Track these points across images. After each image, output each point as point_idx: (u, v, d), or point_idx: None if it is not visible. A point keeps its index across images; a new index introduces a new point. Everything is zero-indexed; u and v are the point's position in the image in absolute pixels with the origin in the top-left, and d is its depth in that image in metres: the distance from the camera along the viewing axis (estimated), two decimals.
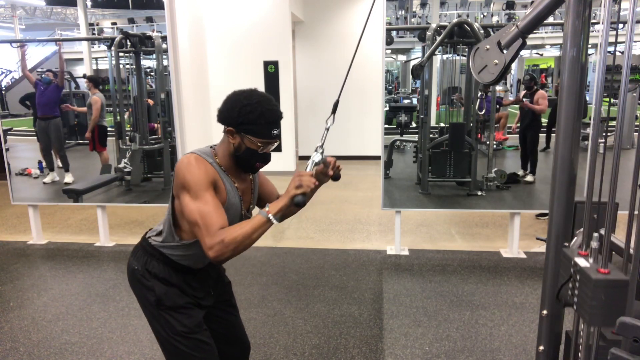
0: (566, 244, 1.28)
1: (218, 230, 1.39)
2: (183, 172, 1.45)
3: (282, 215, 1.45)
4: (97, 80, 4.91)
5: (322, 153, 1.54)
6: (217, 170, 1.51)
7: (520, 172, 4.63)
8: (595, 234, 1.16)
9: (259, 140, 1.49)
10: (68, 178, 4.88)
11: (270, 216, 1.42)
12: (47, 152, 4.92)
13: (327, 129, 1.55)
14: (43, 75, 4.77)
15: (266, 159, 1.56)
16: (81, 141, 5.33)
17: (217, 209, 1.43)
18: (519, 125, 5.08)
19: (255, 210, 1.74)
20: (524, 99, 4.86)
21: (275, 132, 1.51)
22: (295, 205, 1.43)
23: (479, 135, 4.64)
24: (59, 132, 4.92)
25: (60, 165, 4.99)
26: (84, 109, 4.97)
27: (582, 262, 1.15)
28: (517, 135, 5.04)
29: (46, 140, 4.89)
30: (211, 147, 1.58)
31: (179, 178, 1.46)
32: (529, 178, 4.53)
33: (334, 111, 1.58)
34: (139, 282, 1.62)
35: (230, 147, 1.53)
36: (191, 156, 1.49)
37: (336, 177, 1.60)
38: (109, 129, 4.96)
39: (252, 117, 1.46)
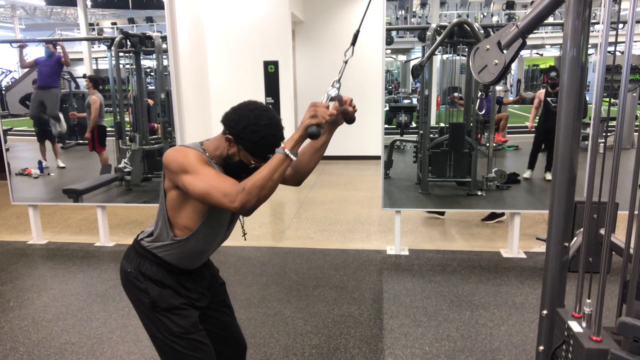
0: (566, 244, 1.28)
1: (232, 186, 1.36)
2: (175, 157, 1.45)
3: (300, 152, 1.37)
4: (97, 80, 4.91)
5: (338, 88, 1.44)
6: (207, 158, 1.51)
7: (527, 173, 4.58)
8: (588, 300, 1.16)
9: (253, 159, 1.50)
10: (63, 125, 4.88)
11: (287, 151, 1.36)
12: (39, 122, 4.88)
13: (346, 62, 1.46)
14: (45, 49, 4.77)
15: (250, 173, 1.56)
16: (81, 141, 5.33)
17: (222, 175, 1.42)
18: (535, 123, 4.91)
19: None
20: (548, 98, 4.58)
21: (270, 155, 1.49)
22: (309, 135, 1.38)
23: (479, 136, 4.63)
24: (55, 100, 4.91)
25: (62, 165, 4.98)
26: (85, 114, 4.96)
27: (575, 326, 1.16)
28: (519, 133, 4.98)
29: (38, 111, 4.84)
30: (200, 142, 1.58)
31: (172, 165, 1.45)
32: (548, 176, 4.45)
33: (353, 43, 1.49)
34: (133, 284, 1.61)
35: (224, 152, 1.53)
36: (178, 147, 1.50)
37: (351, 120, 1.53)
38: (108, 129, 4.95)
39: (255, 138, 1.46)
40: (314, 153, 1.63)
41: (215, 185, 1.37)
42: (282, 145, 1.37)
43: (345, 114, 1.53)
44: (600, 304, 1.12)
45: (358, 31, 1.49)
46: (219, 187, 1.37)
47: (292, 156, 1.36)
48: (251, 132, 1.45)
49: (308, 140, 1.46)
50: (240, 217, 1.74)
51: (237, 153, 1.51)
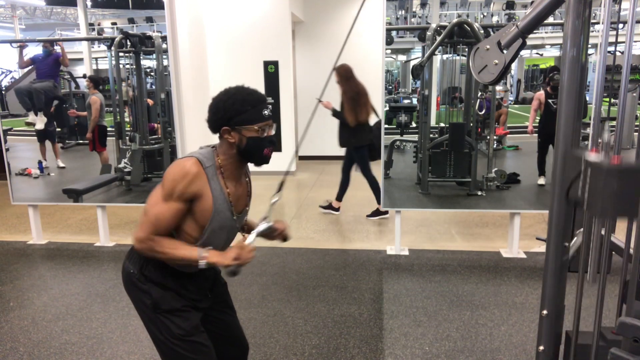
0: (566, 244, 1.28)
1: (155, 234, 1.50)
2: (169, 173, 1.50)
3: (211, 264, 1.52)
4: (97, 80, 4.90)
5: (267, 222, 1.67)
6: (208, 176, 1.51)
7: (541, 180, 4.54)
8: (607, 128, 1.12)
9: (255, 126, 1.51)
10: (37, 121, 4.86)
11: (203, 262, 1.49)
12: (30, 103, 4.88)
13: (273, 204, 1.66)
14: (43, 49, 4.77)
15: (272, 142, 1.58)
16: (81, 141, 5.33)
17: (173, 220, 1.51)
18: (535, 127, 4.88)
19: (250, 212, 1.75)
20: (550, 100, 4.59)
21: (266, 112, 1.54)
22: (228, 274, 1.53)
23: (479, 130, 4.60)
24: (41, 93, 4.89)
25: (62, 165, 4.99)
26: (85, 113, 4.95)
27: (592, 157, 1.13)
28: (519, 133, 4.96)
29: (25, 103, 4.84)
30: (213, 146, 1.59)
31: (166, 175, 1.50)
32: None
33: (279, 189, 1.69)
34: (135, 285, 1.61)
35: (233, 147, 1.53)
36: (188, 162, 1.50)
37: (285, 238, 1.77)
38: (108, 128, 4.95)
39: (238, 107, 1.49)
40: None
41: (154, 219, 1.50)
42: (207, 254, 1.50)
43: (281, 236, 1.77)
44: (600, 305, 1.12)
45: (282, 182, 1.70)
46: (153, 224, 1.50)
47: (202, 265, 1.50)
48: (230, 105, 1.49)
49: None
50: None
51: (241, 135, 1.51)
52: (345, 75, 4.82)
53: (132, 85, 5.00)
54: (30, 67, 4.84)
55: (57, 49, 4.80)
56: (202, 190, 1.50)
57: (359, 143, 4.87)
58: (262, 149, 1.54)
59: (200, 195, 1.50)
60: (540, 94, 4.79)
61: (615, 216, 1.07)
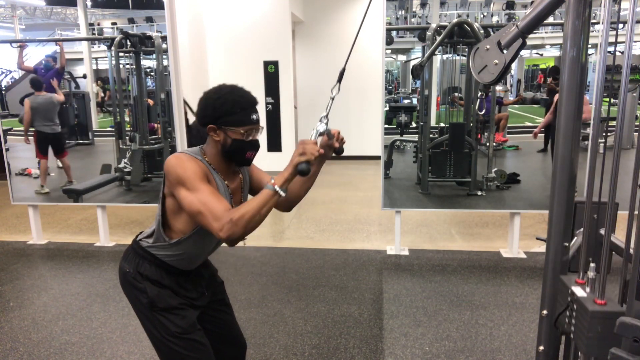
0: (566, 244, 1.28)
1: (224, 212, 1.38)
2: (175, 168, 1.45)
3: (289, 189, 1.43)
4: (35, 82, 4.69)
5: (326, 124, 1.50)
6: (207, 167, 1.52)
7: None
8: (592, 264, 1.15)
9: (241, 129, 1.50)
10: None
11: (277, 188, 1.39)
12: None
13: (332, 98, 1.52)
14: (44, 62, 4.76)
15: (255, 146, 1.56)
16: (81, 141, 5.33)
17: (217, 195, 1.43)
18: (542, 130, 4.86)
19: None
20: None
21: (254, 117, 1.52)
22: (299, 172, 1.41)
23: (479, 136, 4.62)
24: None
25: (61, 165, 4.98)
26: (62, 97, 4.81)
27: (579, 291, 1.15)
28: (519, 133, 4.96)
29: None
30: (200, 147, 1.59)
31: (171, 175, 1.46)
32: None
33: (339, 80, 1.54)
34: (131, 284, 1.61)
35: (218, 145, 1.53)
36: (180, 154, 1.50)
37: (340, 151, 1.58)
38: (108, 128, 4.95)
39: (227, 108, 1.47)
40: (304, 183, 1.67)
41: (208, 207, 1.39)
42: (272, 181, 1.41)
43: (334, 147, 1.57)
44: (607, 238, 1.12)
45: (344, 69, 1.54)
46: (212, 209, 1.38)
47: (281, 192, 1.40)
48: (220, 105, 1.47)
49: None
50: None
51: (226, 135, 1.50)
52: None
53: (103, 86, 4.94)
54: (22, 75, 4.82)
55: (58, 48, 4.80)
56: (208, 174, 1.50)
57: None
58: (244, 152, 1.54)
59: (208, 177, 1.49)
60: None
61: (600, 356, 1.09)
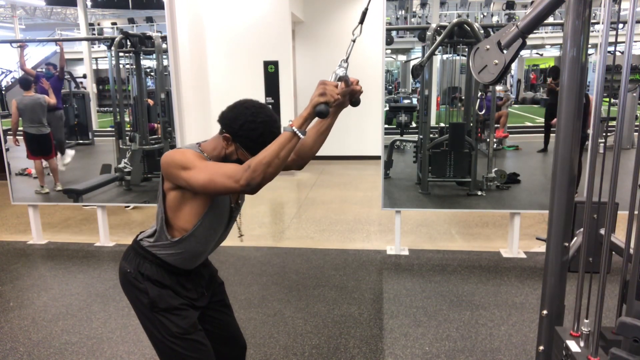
0: (566, 244, 1.28)
1: (236, 168, 1.35)
2: (173, 157, 1.45)
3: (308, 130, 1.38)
4: (24, 81, 4.69)
5: (346, 68, 1.42)
6: (205, 158, 1.51)
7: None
8: (586, 320, 1.16)
9: (251, 157, 1.49)
10: (67, 158, 4.85)
11: (295, 129, 1.34)
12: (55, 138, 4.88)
13: (354, 41, 1.44)
14: (45, 70, 4.76)
15: None
16: (81, 141, 5.33)
17: (223, 163, 1.41)
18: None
19: (245, 205, 1.74)
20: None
21: None
22: (317, 114, 1.36)
23: (479, 134, 4.62)
24: (60, 123, 4.90)
25: (61, 167, 4.98)
26: (53, 100, 4.78)
27: (573, 346, 1.16)
28: (519, 133, 4.97)
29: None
30: (197, 143, 1.59)
31: (171, 165, 1.45)
32: None
33: (361, 21, 1.48)
34: (132, 284, 1.61)
35: (222, 151, 1.53)
36: (175, 149, 1.51)
37: (356, 102, 1.52)
38: (108, 128, 4.96)
39: (253, 135, 1.47)
40: (318, 136, 1.61)
41: (217, 171, 1.37)
42: (290, 122, 1.35)
43: (352, 95, 1.51)
44: (600, 305, 1.12)
45: (367, 9, 1.47)
46: (221, 171, 1.37)
47: (299, 134, 1.35)
48: (249, 129, 1.46)
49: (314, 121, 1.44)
50: (238, 218, 1.74)
51: (235, 152, 1.51)
52: None
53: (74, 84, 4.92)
54: (22, 75, 4.82)
55: (58, 48, 4.80)
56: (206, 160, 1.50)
57: None
58: None
59: None
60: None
61: None
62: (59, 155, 4.90)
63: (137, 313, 1.64)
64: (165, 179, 1.53)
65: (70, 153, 4.95)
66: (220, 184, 1.37)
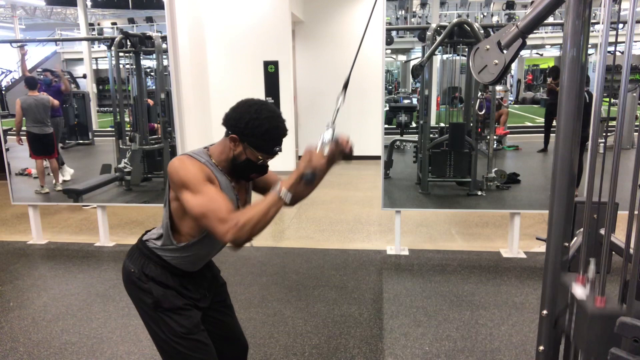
0: (566, 244, 1.28)
1: (228, 215, 1.38)
2: (177, 171, 1.45)
3: (295, 194, 1.44)
4: (30, 81, 4.73)
5: (333, 130, 1.50)
6: (211, 168, 1.51)
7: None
8: (592, 264, 1.15)
9: (260, 154, 1.51)
10: (67, 175, 4.88)
11: (282, 193, 1.40)
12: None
13: (338, 109, 1.51)
14: (42, 77, 4.77)
15: (262, 171, 1.58)
16: (81, 141, 5.33)
17: (221, 197, 1.43)
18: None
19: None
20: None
21: (277, 149, 1.54)
22: (304, 181, 1.42)
23: (479, 130, 4.60)
24: (58, 128, 4.92)
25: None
26: (56, 102, 4.84)
27: (578, 291, 1.16)
28: (519, 133, 4.98)
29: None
30: (205, 147, 1.59)
31: (174, 178, 1.46)
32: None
33: (344, 88, 1.53)
34: (135, 284, 1.61)
35: (230, 153, 1.53)
36: (182, 156, 1.50)
37: (348, 157, 1.58)
38: (108, 128, 4.96)
39: (259, 132, 1.48)
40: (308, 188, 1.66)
41: (212, 209, 1.39)
42: (279, 186, 1.42)
43: (342, 153, 1.57)
44: (607, 238, 1.12)
45: (349, 78, 1.53)
46: (216, 212, 1.39)
47: (285, 199, 1.41)
48: (254, 126, 1.47)
49: None
50: None
51: (243, 151, 1.51)
52: None
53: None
54: (23, 76, 4.84)
55: (58, 51, 4.81)
56: (211, 175, 1.49)
57: None
58: (251, 172, 1.57)
59: (211, 179, 1.48)
60: None
61: (600, 357, 1.09)
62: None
63: (140, 313, 1.65)
64: (170, 187, 1.53)
65: (69, 171, 4.99)
66: (211, 225, 1.40)
